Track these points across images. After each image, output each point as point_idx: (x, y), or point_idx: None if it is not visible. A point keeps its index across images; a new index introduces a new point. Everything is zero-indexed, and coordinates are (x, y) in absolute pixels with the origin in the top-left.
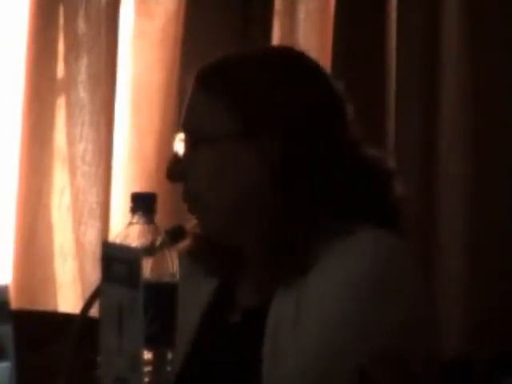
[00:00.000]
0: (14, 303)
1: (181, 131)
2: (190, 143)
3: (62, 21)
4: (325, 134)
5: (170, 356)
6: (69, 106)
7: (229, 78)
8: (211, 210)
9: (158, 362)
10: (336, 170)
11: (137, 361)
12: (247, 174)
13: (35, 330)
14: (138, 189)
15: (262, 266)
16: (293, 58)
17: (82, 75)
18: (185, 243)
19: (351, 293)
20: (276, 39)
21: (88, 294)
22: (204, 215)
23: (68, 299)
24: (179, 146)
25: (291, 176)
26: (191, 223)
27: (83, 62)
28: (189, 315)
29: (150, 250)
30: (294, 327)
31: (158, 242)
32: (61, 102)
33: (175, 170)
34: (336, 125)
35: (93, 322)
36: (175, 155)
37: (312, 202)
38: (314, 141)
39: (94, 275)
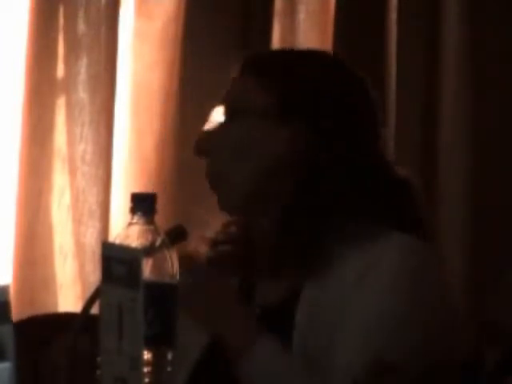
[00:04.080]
0: (14, 303)
1: (220, 104)
2: (226, 116)
3: (62, 21)
4: (358, 136)
5: (169, 356)
6: (69, 106)
7: (274, 61)
8: (233, 183)
9: (157, 362)
10: (362, 173)
11: (137, 361)
12: (275, 149)
13: (35, 331)
14: (137, 189)
15: (275, 248)
16: (338, 60)
17: (82, 76)
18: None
19: (389, 292)
20: (276, 39)
21: (88, 294)
22: (225, 188)
23: (68, 299)
24: (216, 118)
25: (317, 163)
26: (191, 227)
27: (83, 63)
28: None
29: (149, 251)
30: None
31: (157, 243)
32: (61, 103)
33: (202, 143)
34: (369, 131)
35: (93, 320)
36: (204, 130)
37: (332, 194)
38: (346, 139)
39: (94, 275)
